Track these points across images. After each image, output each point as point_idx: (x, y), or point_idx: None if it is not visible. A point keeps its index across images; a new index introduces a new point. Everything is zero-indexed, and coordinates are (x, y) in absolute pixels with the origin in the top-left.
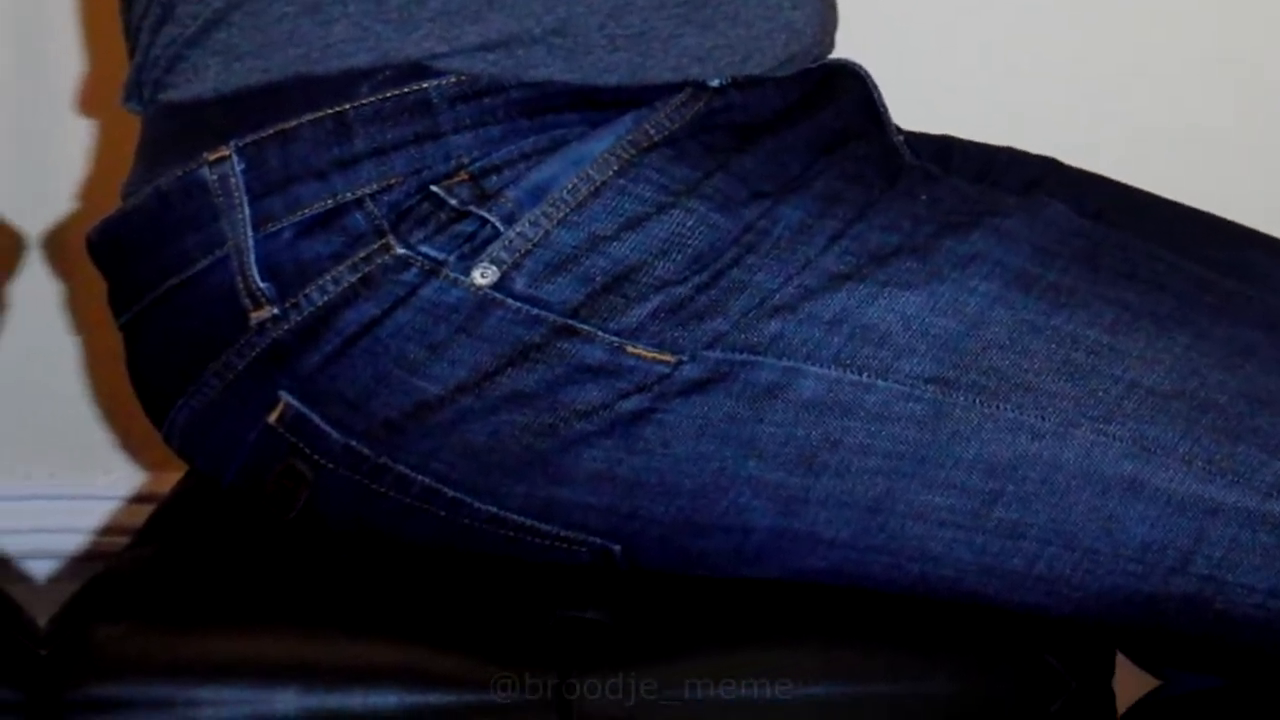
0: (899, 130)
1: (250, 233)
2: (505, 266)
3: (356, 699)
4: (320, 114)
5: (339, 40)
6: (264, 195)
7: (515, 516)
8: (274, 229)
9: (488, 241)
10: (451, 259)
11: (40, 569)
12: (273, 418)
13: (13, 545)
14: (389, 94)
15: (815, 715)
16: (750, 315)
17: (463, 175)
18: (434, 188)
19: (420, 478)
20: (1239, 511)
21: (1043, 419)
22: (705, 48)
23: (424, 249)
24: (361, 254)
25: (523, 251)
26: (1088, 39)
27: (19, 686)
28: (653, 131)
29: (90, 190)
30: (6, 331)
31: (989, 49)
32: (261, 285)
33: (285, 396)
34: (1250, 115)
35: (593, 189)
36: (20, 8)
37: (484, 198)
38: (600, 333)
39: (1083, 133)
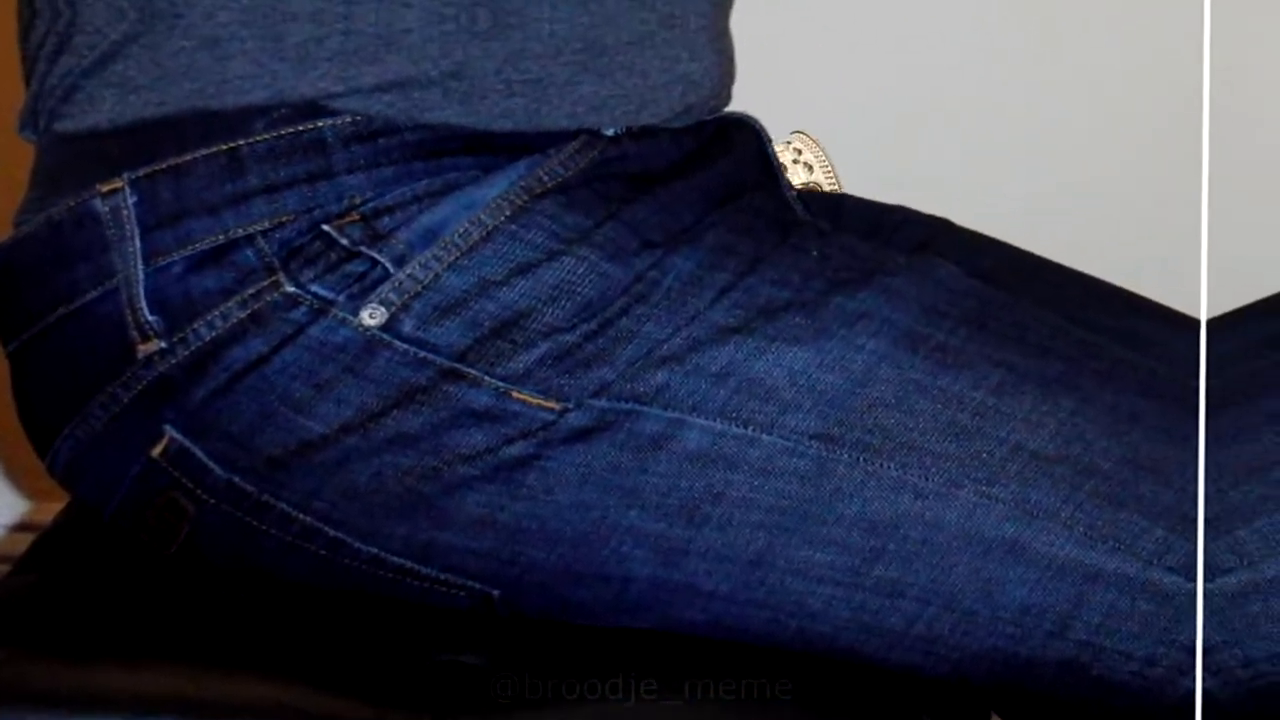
0: (791, 185)
1: (140, 265)
2: (394, 308)
3: None
4: (214, 149)
5: (236, 76)
6: (155, 228)
7: (395, 558)
8: (164, 262)
9: (378, 282)
10: (341, 299)
11: None
12: (156, 451)
13: None
14: (284, 131)
15: None
16: (637, 365)
17: (354, 215)
18: (325, 227)
19: (302, 516)
20: (1119, 578)
21: (926, 479)
22: (601, 96)
23: (314, 288)
24: (251, 290)
25: (412, 293)
26: (987, 100)
27: None
28: (546, 178)
29: None
30: None
31: (884, 106)
32: (150, 318)
33: (170, 430)
34: (1143, 179)
35: (484, 233)
36: None
37: (375, 238)
38: (486, 377)
39: (977, 195)
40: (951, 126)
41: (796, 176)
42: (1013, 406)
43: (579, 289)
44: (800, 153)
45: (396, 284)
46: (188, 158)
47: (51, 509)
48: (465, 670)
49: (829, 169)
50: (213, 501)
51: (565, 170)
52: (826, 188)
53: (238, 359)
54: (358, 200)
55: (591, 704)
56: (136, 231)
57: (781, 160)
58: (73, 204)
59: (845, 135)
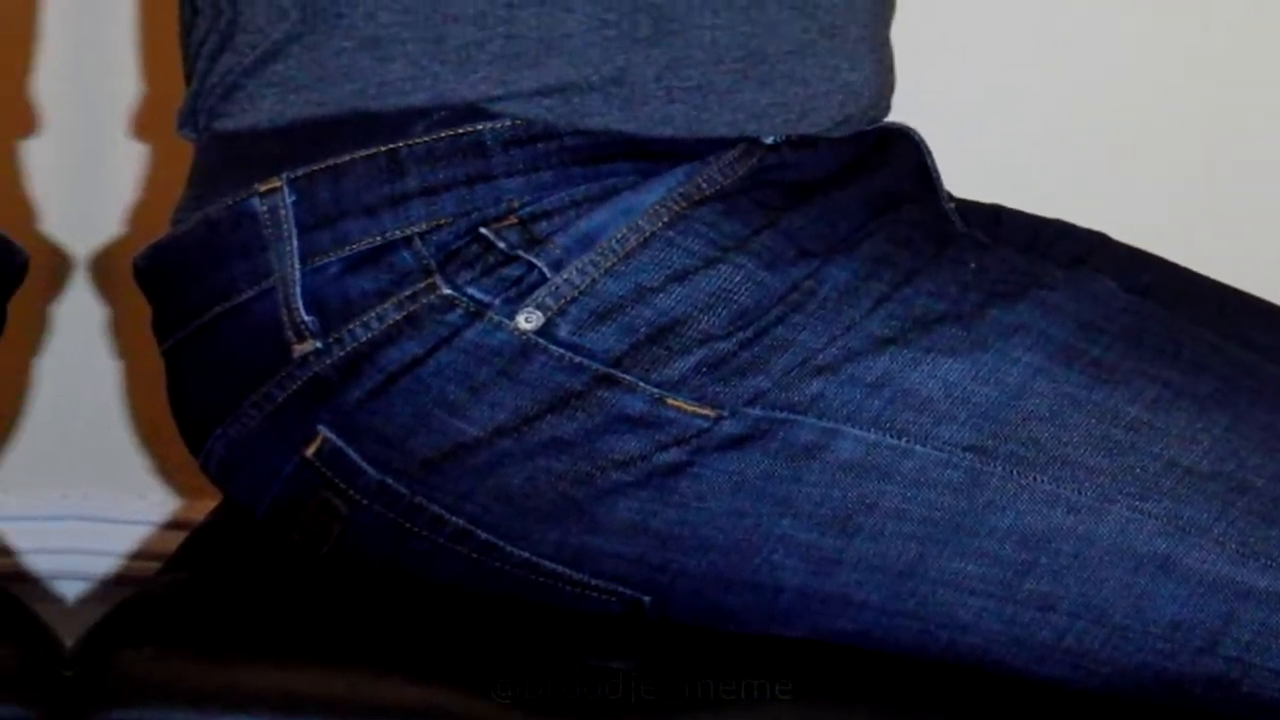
0: (951, 197)
1: (297, 265)
2: (550, 312)
3: None
4: (373, 150)
5: (396, 78)
6: (313, 229)
7: (547, 563)
8: (321, 263)
9: (534, 286)
10: (497, 302)
11: (70, 590)
12: (310, 451)
13: (44, 565)
14: (443, 134)
15: None
16: (792, 374)
17: (512, 219)
18: (483, 230)
19: (454, 519)
20: (1271, 595)
21: (1079, 493)
22: (762, 104)
23: (470, 290)
24: (407, 292)
25: (568, 298)
26: (1141, 122)
27: (43, 707)
28: (704, 185)
29: (140, 215)
30: (49, 351)
31: (1045, 122)
32: (306, 318)
33: (324, 431)
34: None
35: (641, 240)
36: (80, 29)
37: (532, 243)
38: (642, 384)
39: (1132, 210)
40: (1109, 137)
41: None
42: (1167, 422)
43: (736, 297)
44: None
45: (553, 288)
46: (346, 158)
47: (204, 507)
48: (615, 676)
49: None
50: (365, 502)
51: (724, 178)
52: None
53: (393, 360)
54: (516, 204)
55: (738, 708)
56: (294, 231)
57: None
58: (230, 203)
59: (1000, 143)
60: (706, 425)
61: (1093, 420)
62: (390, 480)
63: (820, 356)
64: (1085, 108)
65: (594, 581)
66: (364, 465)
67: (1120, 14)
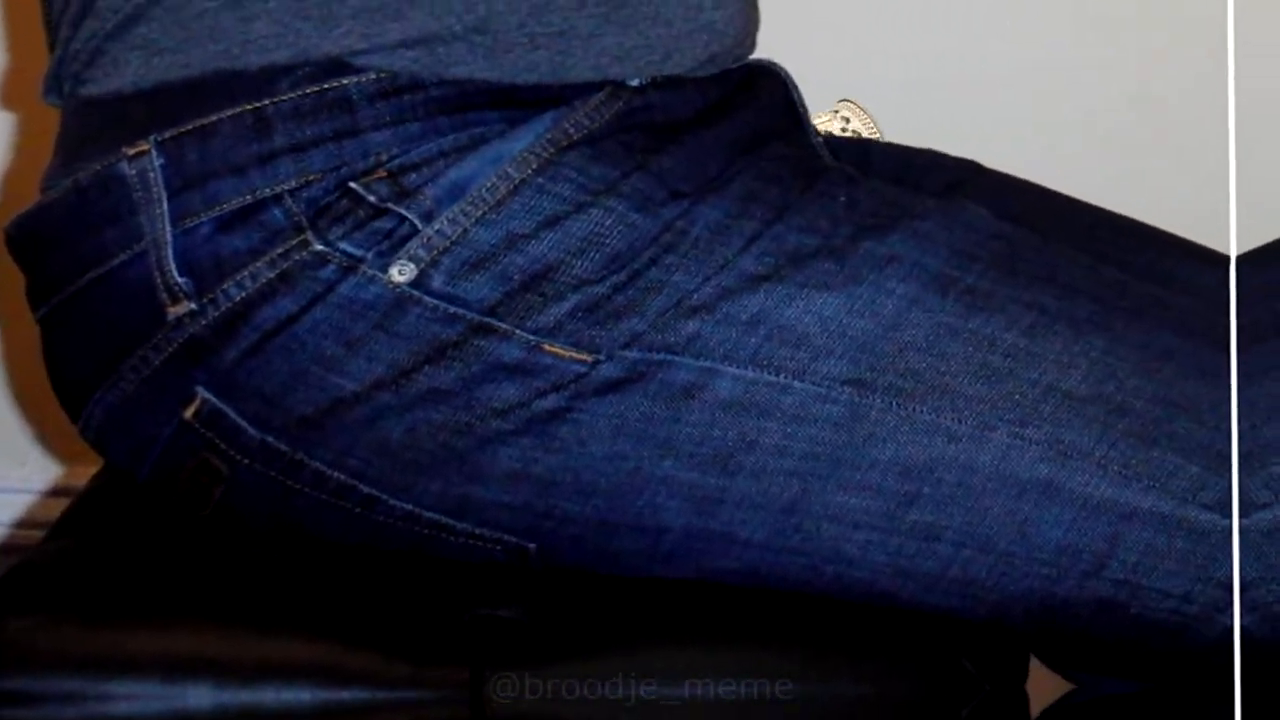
0: (818, 132)
1: (169, 228)
2: (423, 264)
3: (270, 695)
4: (240, 109)
5: (259, 36)
6: (182, 190)
7: (430, 514)
8: (192, 224)
9: (406, 239)
10: (369, 256)
11: None
12: (188, 413)
13: None
14: (308, 90)
15: (728, 715)
16: (667, 315)
17: (381, 172)
18: (353, 184)
19: (335, 474)
20: (1154, 516)
21: (959, 422)
22: (625, 47)
23: (342, 245)
24: (279, 250)
25: (441, 249)
26: (1016, 37)
27: None
28: (572, 130)
29: (9, 184)
30: None
31: (912, 51)
32: (179, 280)
33: (201, 392)
34: (1171, 115)
35: (511, 187)
36: None
37: (402, 195)
38: (517, 331)
39: (1004, 136)
40: (981, 70)
41: None
42: (1044, 347)
43: (607, 240)
44: (848, 120)
45: (425, 240)
46: (213, 119)
47: (85, 473)
48: (503, 624)
49: (876, 134)
50: (246, 462)
51: (591, 122)
52: None
53: (268, 318)
54: (384, 157)
55: (627, 654)
56: (164, 194)
57: (829, 129)
58: (99, 168)
59: (877, 91)
60: (584, 370)
61: (970, 348)
62: (270, 438)
63: (694, 296)
64: (955, 45)
65: (478, 530)
66: (243, 424)
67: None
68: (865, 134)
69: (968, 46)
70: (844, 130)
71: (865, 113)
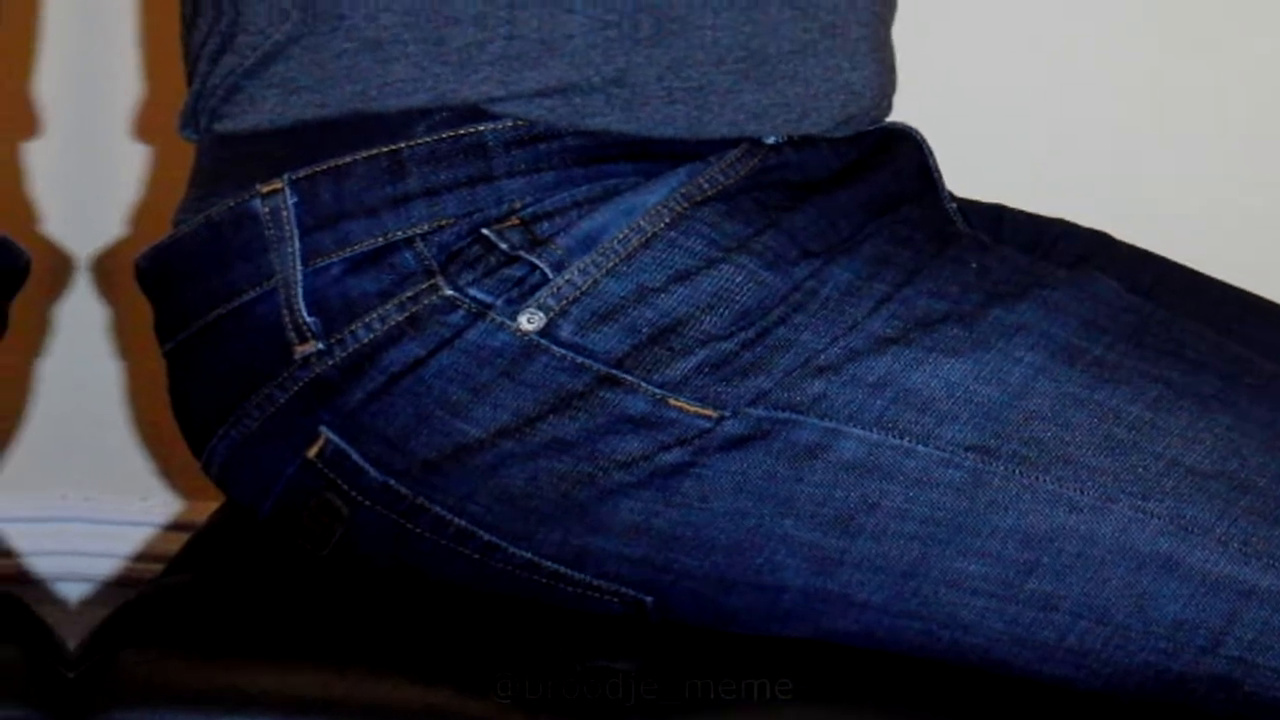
0: (952, 197)
1: (299, 266)
2: (552, 313)
3: None
4: (375, 151)
5: (397, 79)
6: (315, 230)
7: (549, 563)
8: (323, 264)
9: (536, 287)
10: (499, 303)
11: (72, 592)
12: (312, 452)
13: (46, 567)
14: (445, 135)
15: None
16: (794, 374)
17: (514, 220)
18: (485, 231)
19: (456, 520)
20: (1273, 595)
21: (1081, 492)
22: (763, 105)
23: (472, 291)
24: (409, 293)
25: (570, 299)
26: (1142, 116)
27: (46, 708)
28: (706, 185)
29: (142, 216)
30: (51, 353)
31: (1047, 121)
32: (308, 320)
33: (325, 432)
34: None
35: (643, 240)
36: (83, 29)
37: (534, 243)
38: (644, 384)
39: (1133, 208)
40: (1113, 138)
41: None
42: (1169, 422)
43: (737, 297)
44: None
45: (555, 289)
46: (348, 159)
47: (206, 508)
48: (617, 676)
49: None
50: (367, 503)
51: (725, 178)
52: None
53: (394, 361)
54: (517, 205)
55: (741, 712)
56: (296, 232)
57: None
58: (232, 204)
59: (1003, 144)
60: (709, 425)
61: (1095, 419)
62: (392, 481)
63: (822, 356)
64: (1087, 106)
65: (596, 582)
66: (366, 466)
67: (1125, 13)
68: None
69: (1089, 95)
70: None
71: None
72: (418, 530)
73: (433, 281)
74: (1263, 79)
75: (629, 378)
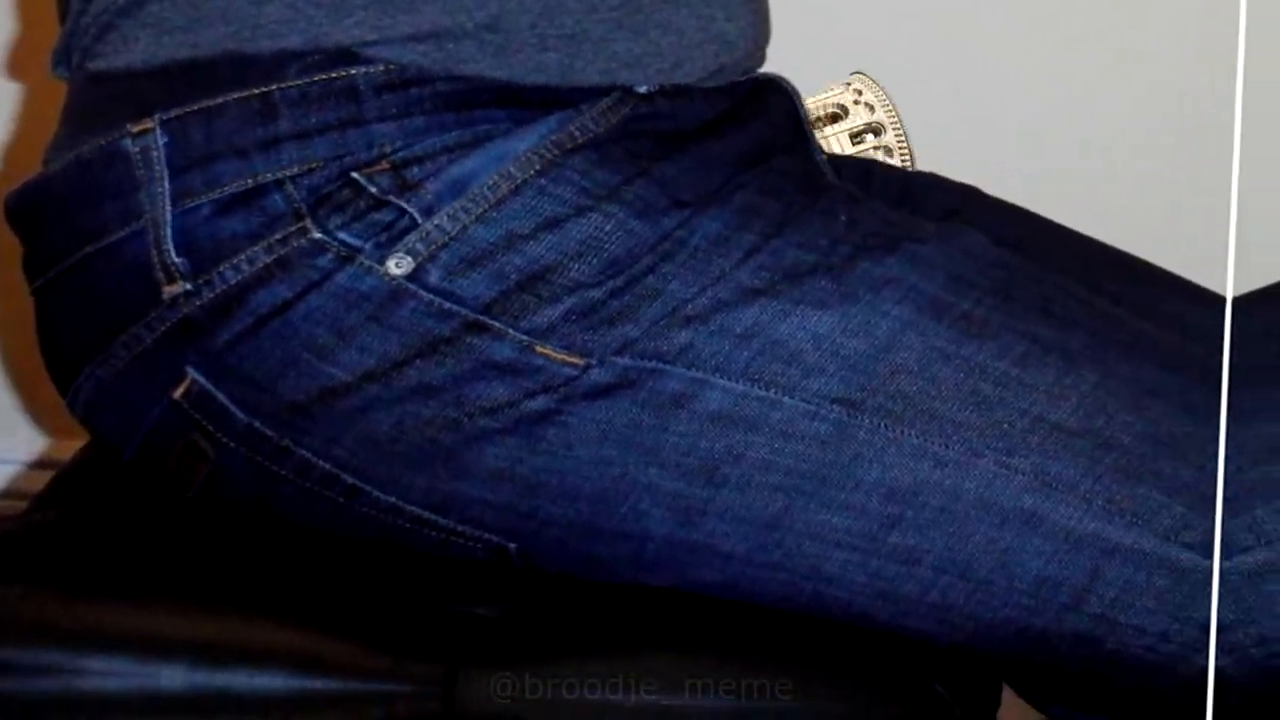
0: (822, 150)
1: (169, 206)
2: (420, 258)
3: (243, 679)
4: (247, 93)
5: (271, 20)
6: (185, 170)
7: (414, 508)
8: (192, 204)
9: (405, 232)
10: (367, 247)
11: None
12: (178, 393)
13: None
14: (316, 78)
15: None
16: (661, 323)
17: (384, 164)
18: (355, 174)
19: (321, 463)
20: (1136, 553)
21: (946, 447)
22: (636, 53)
23: (341, 235)
24: (278, 235)
25: (439, 244)
26: (1019, 67)
27: None
28: (577, 133)
29: (12, 154)
30: None
31: (916, 71)
32: (176, 260)
33: (192, 373)
34: (1173, 153)
35: (513, 187)
36: None
37: (404, 188)
38: (511, 330)
39: (1005, 164)
40: (984, 96)
41: (858, 117)
42: (1036, 378)
43: (606, 245)
44: (861, 93)
45: (424, 234)
46: (219, 100)
47: (71, 446)
48: (480, 622)
49: (890, 109)
50: (233, 445)
51: (597, 126)
52: (890, 128)
53: (263, 303)
54: (388, 149)
55: (601, 659)
56: (166, 172)
57: (842, 101)
58: (103, 143)
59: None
60: (575, 373)
61: (961, 374)
62: (258, 423)
63: (690, 306)
64: (958, 64)
65: (460, 527)
66: (232, 408)
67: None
68: (879, 106)
69: (959, 52)
70: (856, 102)
71: (878, 86)
72: (283, 473)
73: (302, 224)
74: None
75: (496, 324)
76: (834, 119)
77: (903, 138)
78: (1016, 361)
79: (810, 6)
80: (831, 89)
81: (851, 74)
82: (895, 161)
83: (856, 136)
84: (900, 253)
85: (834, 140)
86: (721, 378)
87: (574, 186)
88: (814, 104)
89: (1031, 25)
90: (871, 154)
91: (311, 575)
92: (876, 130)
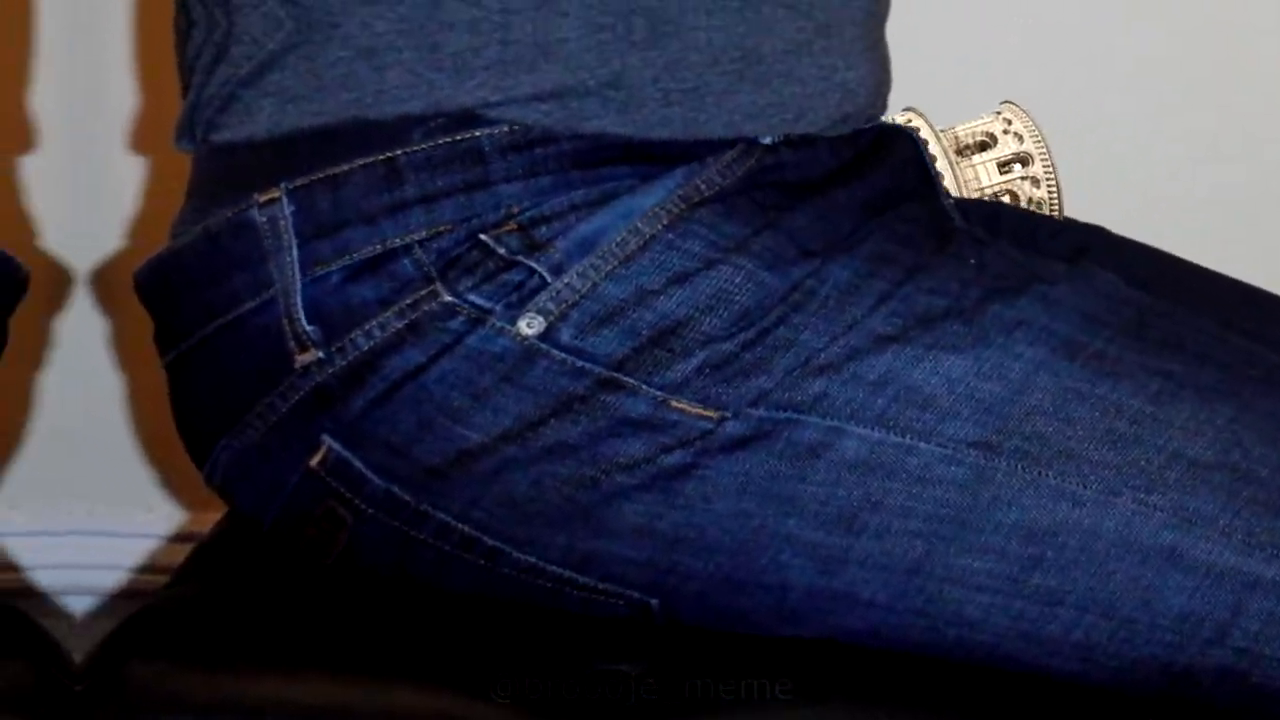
0: (949, 194)
1: (298, 275)
2: (552, 317)
3: None
4: (372, 159)
5: (393, 86)
6: (313, 238)
7: (554, 568)
8: (322, 272)
9: (535, 291)
10: (498, 308)
11: (78, 605)
12: (314, 461)
13: (51, 580)
14: (441, 141)
15: None
16: (795, 374)
17: (512, 225)
18: (483, 236)
19: (460, 526)
20: (1277, 586)
21: (1084, 487)
22: (759, 105)
23: (471, 297)
24: (409, 300)
25: (569, 303)
26: (1145, 102)
27: None
28: (703, 187)
29: (140, 228)
30: (53, 367)
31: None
32: (308, 328)
33: (327, 440)
34: None
35: (641, 243)
36: (77, 42)
37: (533, 248)
38: (644, 386)
39: (1132, 203)
40: (1108, 132)
41: (1007, 146)
42: (1171, 414)
43: (736, 298)
44: (1010, 122)
45: (554, 293)
46: (345, 167)
47: (210, 519)
48: (625, 679)
49: (1039, 139)
50: (371, 511)
51: (722, 179)
52: (1038, 158)
53: (395, 369)
54: (515, 210)
55: (749, 713)
56: (294, 241)
57: (990, 130)
58: (230, 214)
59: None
60: (710, 427)
61: (1097, 414)
62: (395, 488)
63: (822, 355)
64: (1081, 100)
65: (601, 585)
66: (369, 474)
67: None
68: (1027, 136)
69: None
70: (1005, 131)
71: (1028, 115)
72: (421, 537)
73: (432, 288)
74: (1263, 70)
75: (630, 380)
76: (982, 147)
77: (1050, 169)
78: (1151, 399)
79: (951, 39)
80: (981, 117)
81: (1001, 103)
82: (1042, 192)
83: (1004, 166)
84: (1031, 294)
85: (981, 169)
86: (857, 425)
87: (702, 240)
88: (963, 131)
89: (1166, 63)
90: (1018, 184)
91: (454, 639)
92: (1024, 160)
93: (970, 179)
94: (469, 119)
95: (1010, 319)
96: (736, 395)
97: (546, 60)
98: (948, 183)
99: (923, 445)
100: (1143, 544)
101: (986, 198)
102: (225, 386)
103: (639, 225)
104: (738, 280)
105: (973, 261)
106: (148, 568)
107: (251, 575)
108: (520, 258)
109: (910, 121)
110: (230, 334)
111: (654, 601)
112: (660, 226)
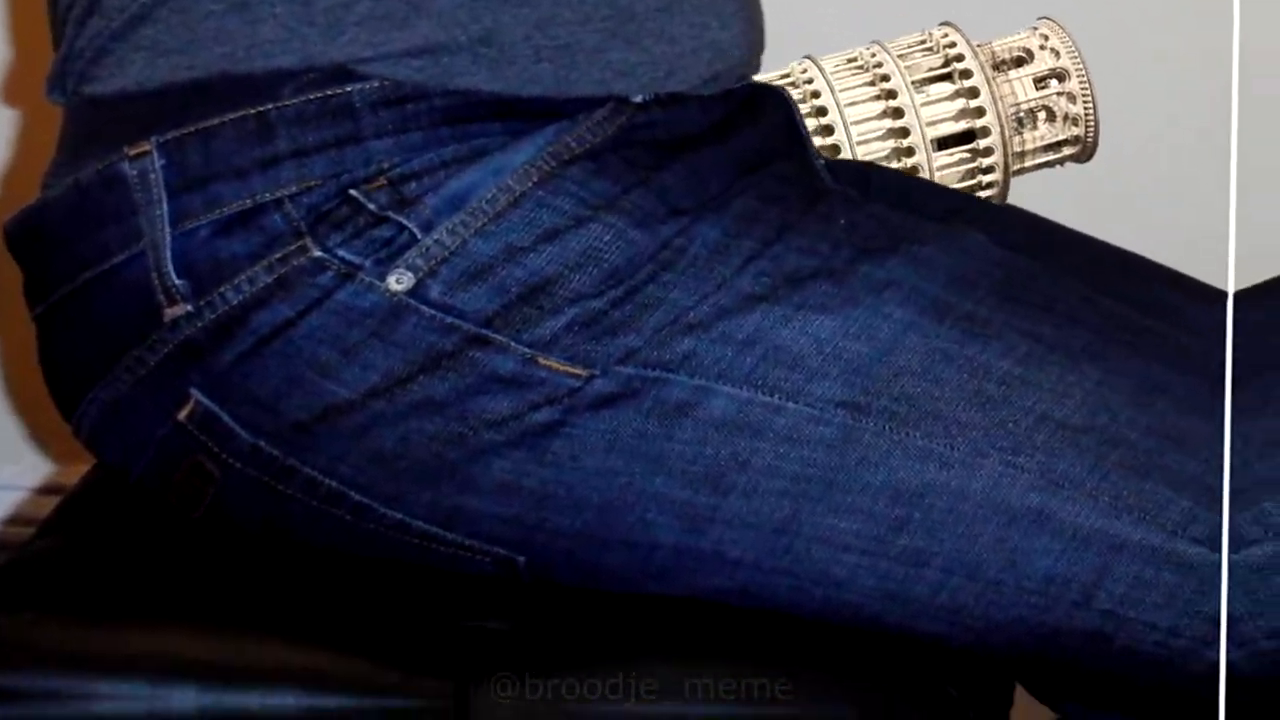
0: (818, 154)
1: (168, 229)
2: (421, 273)
3: (254, 699)
4: (243, 113)
5: (265, 40)
6: (183, 192)
7: (421, 524)
8: (191, 226)
9: (404, 248)
10: (367, 264)
11: None
12: (182, 415)
13: None
14: (312, 96)
15: None
16: (663, 332)
17: (382, 180)
18: (353, 192)
19: (327, 481)
20: (1144, 548)
21: (952, 448)
22: (630, 63)
23: (340, 252)
24: (278, 255)
25: (439, 259)
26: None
27: None
28: (574, 144)
29: (10, 181)
30: None
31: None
32: (177, 282)
33: (196, 394)
34: (1171, 150)
35: (511, 199)
36: None
37: (402, 204)
38: (513, 343)
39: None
40: (1145, 48)
41: (1043, 62)
42: (1039, 376)
43: (606, 256)
44: (1047, 38)
45: (424, 249)
46: (216, 121)
47: (77, 472)
48: (490, 635)
49: (1076, 55)
50: (238, 466)
51: (593, 137)
52: (1074, 74)
53: (264, 323)
54: (385, 165)
55: (613, 670)
56: (164, 195)
57: (1027, 45)
58: (100, 167)
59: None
60: (578, 384)
61: (965, 375)
62: (263, 443)
63: (691, 314)
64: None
65: (468, 542)
66: (236, 428)
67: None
68: (1064, 53)
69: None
70: (1043, 47)
71: (1065, 31)
72: (289, 492)
73: (301, 243)
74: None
75: (498, 337)
76: (1019, 62)
77: (1086, 84)
78: (1020, 360)
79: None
80: (1018, 33)
81: (1038, 18)
82: (1078, 108)
83: (1040, 81)
84: (901, 254)
85: (1017, 84)
86: (725, 385)
87: (572, 198)
88: (999, 46)
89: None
90: (1054, 99)
91: (320, 594)
92: (1061, 76)
93: (1006, 94)
94: (341, 74)
95: (880, 279)
96: (605, 353)
97: (418, 16)
98: (982, 98)
99: (790, 405)
100: (1009, 506)
101: (1023, 113)
102: (94, 339)
103: (509, 182)
104: (608, 238)
105: (843, 222)
106: (14, 520)
107: (118, 528)
108: (390, 213)
109: (946, 36)
110: (99, 287)
111: (520, 559)
112: (530, 184)
